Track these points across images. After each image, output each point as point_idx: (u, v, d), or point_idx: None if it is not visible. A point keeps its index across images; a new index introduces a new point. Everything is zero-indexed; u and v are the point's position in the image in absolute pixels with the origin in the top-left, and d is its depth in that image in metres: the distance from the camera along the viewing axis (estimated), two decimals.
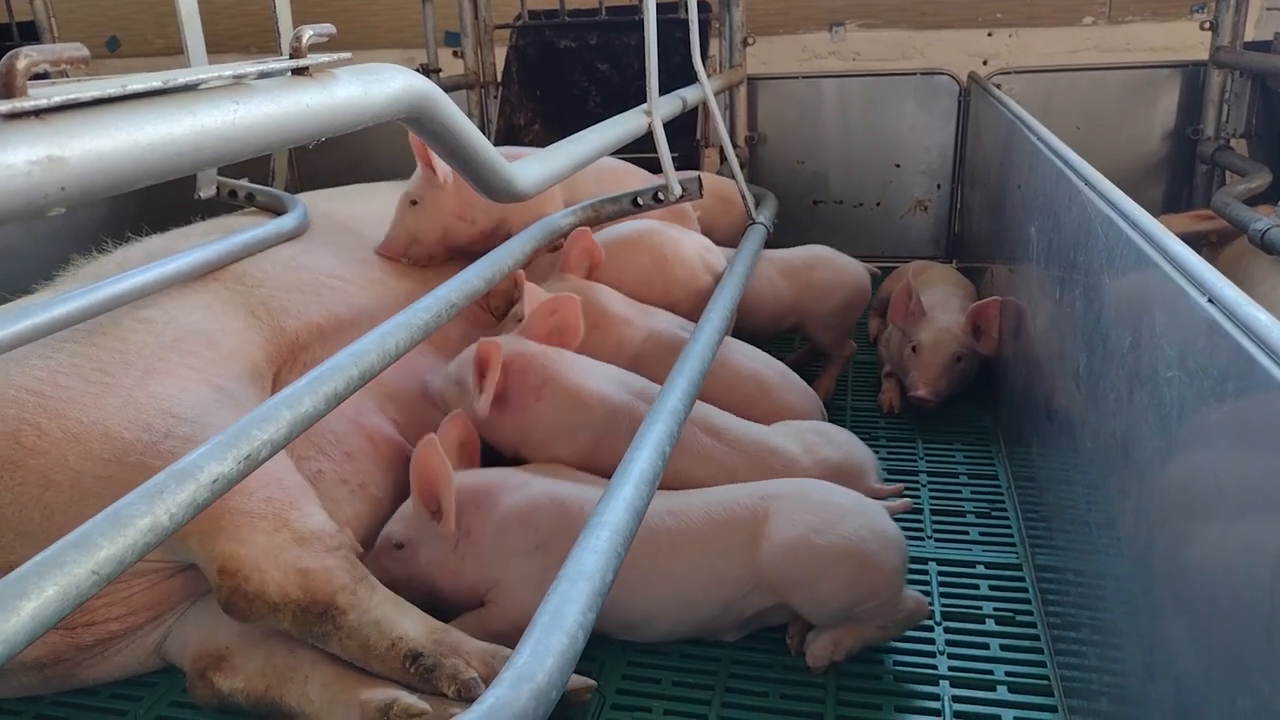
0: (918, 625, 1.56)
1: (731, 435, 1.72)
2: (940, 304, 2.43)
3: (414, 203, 2.13)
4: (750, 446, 1.71)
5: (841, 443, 1.77)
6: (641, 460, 1.18)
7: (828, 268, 2.45)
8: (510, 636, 1.45)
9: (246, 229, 1.92)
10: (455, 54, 3.76)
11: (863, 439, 2.21)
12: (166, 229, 2.01)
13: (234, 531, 1.36)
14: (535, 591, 1.47)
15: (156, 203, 2.15)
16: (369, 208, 2.34)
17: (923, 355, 2.31)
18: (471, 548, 1.53)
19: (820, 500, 1.50)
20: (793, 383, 2.01)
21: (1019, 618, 1.59)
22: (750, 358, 2.00)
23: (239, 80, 0.84)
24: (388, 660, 1.34)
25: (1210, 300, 0.87)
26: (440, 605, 1.51)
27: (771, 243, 2.57)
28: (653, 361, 1.87)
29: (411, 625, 1.37)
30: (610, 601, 1.00)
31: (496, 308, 2.25)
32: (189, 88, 0.77)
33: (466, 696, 1.29)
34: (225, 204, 2.23)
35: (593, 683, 1.40)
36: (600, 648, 1.54)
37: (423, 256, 2.15)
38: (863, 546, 1.43)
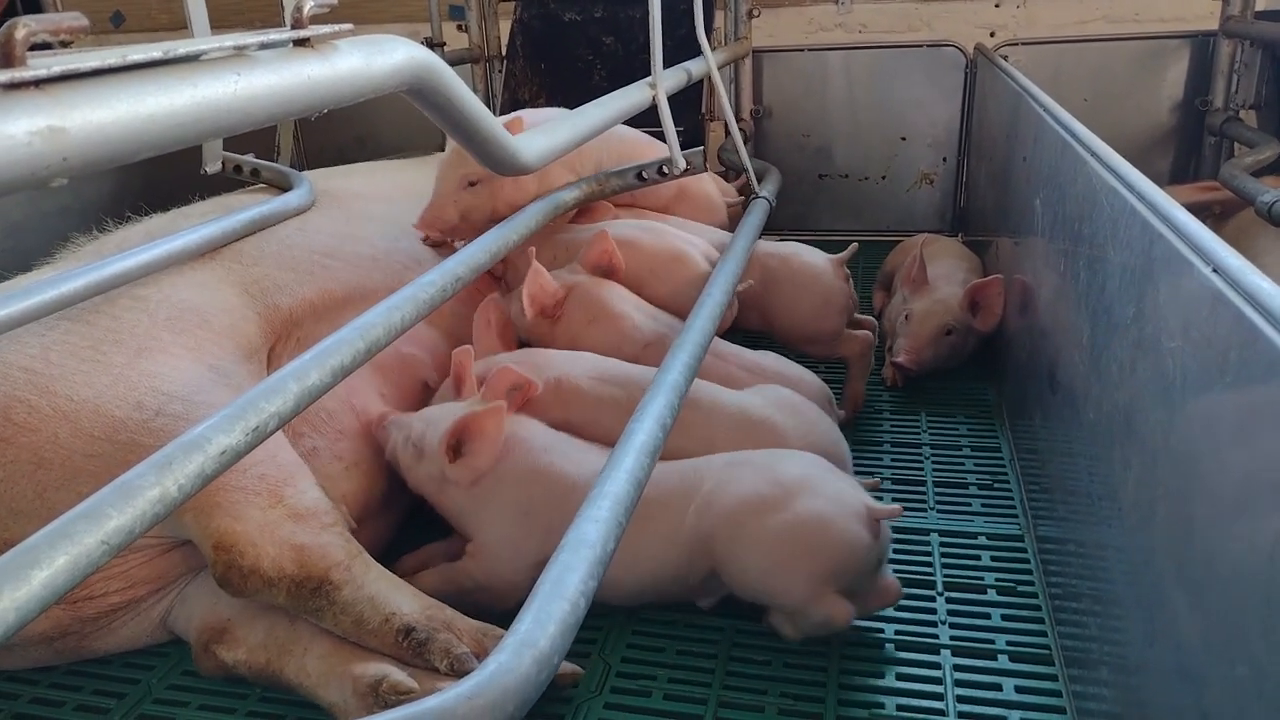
0: (919, 596, 1.57)
1: (708, 405, 1.67)
2: (944, 276, 2.42)
3: (473, 184, 2.06)
4: (728, 416, 1.66)
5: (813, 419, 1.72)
6: (642, 432, 1.18)
7: (791, 265, 2.16)
8: (474, 595, 1.47)
9: (250, 207, 1.91)
10: (460, 28, 3.73)
11: (867, 412, 2.23)
12: (172, 205, 2.01)
13: (229, 507, 1.36)
14: (510, 556, 1.49)
15: (162, 179, 2.15)
16: (370, 186, 2.33)
17: (912, 323, 2.32)
18: (465, 491, 1.53)
19: (772, 476, 1.42)
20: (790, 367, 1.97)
21: (1020, 588, 1.60)
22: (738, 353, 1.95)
23: (240, 51, 0.83)
24: (381, 635, 1.35)
25: (1214, 270, 0.86)
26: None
27: (776, 217, 2.56)
28: (656, 363, 1.84)
29: (405, 601, 1.38)
30: None
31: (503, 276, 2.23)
32: (190, 58, 0.77)
33: (459, 670, 1.30)
34: (231, 180, 2.23)
35: (580, 670, 1.41)
36: (605, 618, 1.55)
37: (467, 236, 2.10)
38: (792, 534, 1.36)
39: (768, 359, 1.93)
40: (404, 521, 1.78)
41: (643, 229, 2.13)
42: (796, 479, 1.43)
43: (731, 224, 2.47)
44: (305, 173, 2.31)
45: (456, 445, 1.56)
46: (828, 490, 1.42)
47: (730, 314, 2.06)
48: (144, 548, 1.48)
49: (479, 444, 1.54)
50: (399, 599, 1.38)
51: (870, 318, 2.34)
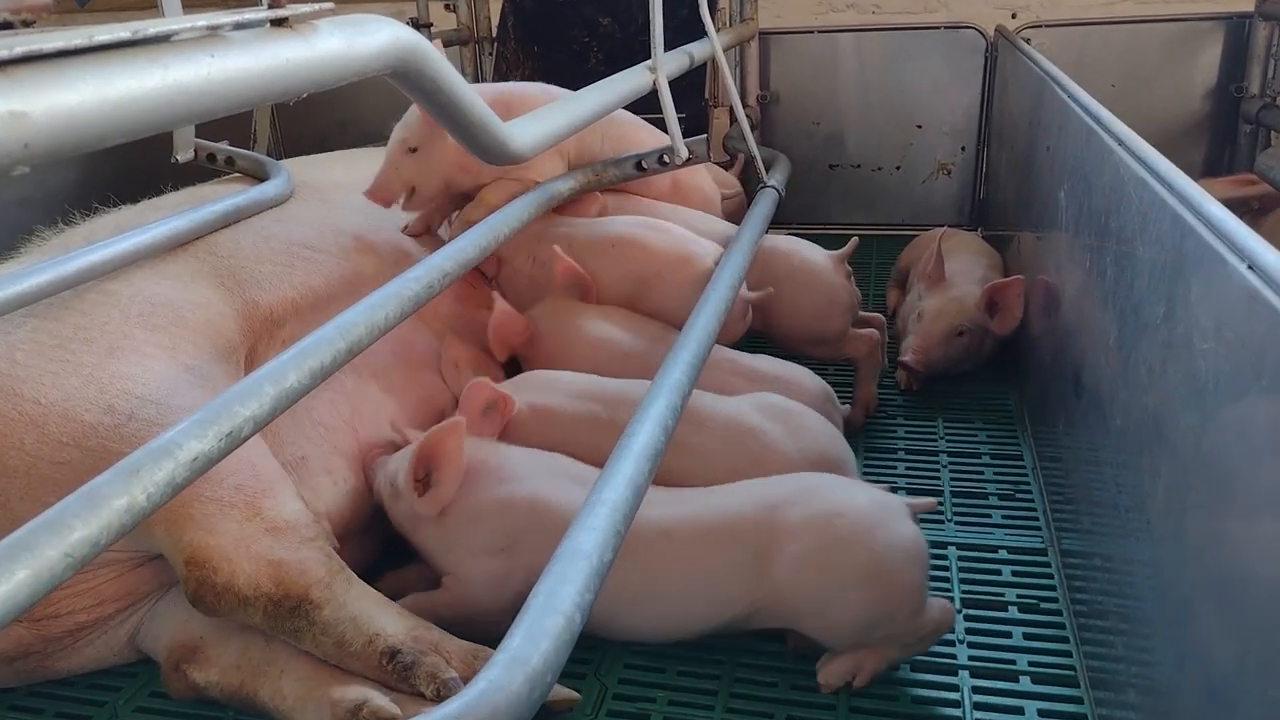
0: None
1: (701, 415, 1.66)
2: (963, 273, 2.42)
3: (412, 150, 2.04)
4: (724, 427, 1.66)
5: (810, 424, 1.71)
6: (642, 434, 1.18)
7: (791, 263, 2.13)
8: (455, 628, 1.44)
9: (224, 198, 1.91)
10: (448, 8, 3.72)
11: (881, 418, 2.24)
12: (142, 196, 2.01)
13: (203, 520, 1.35)
14: (490, 592, 1.48)
15: (131, 167, 2.15)
16: (350, 174, 2.33)
17: (924, 322, 2.32)
18: (438, 525, 1.53)
19: (833, 509, 1.41)
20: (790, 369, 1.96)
21: (1043, 605, 1.60)
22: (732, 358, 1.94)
23: (213, 31, 0.83)
24: (364, 658, 1.34)
25: (1250, 267, 0.86)
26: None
27: (784, 209, 2.56)
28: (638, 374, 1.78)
29: (389, 621, 1.37)
30: (593, 617, 0.99)
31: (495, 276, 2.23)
32: (160, 39, 0.77)
33: (445, 697, 1.30)
34: (204, 170, 2.23)
35: (576, 696, 1.40)
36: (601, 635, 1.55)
37: (422, 207, 2.11)
38: (883, 565, 1.36)
39: (763, 362, 1.93)
40: (390, 540, 1.78)
41: (649, 227, 2.10)
42: (853, 500, 1.43)
43: (730, 218, 2.46)
44: (283, 161, 2.31)
45: (425, 477, 1.53)
46: (866, 503, 1.43)
47: (744, 324, 2.03)
48: (113, 562, 1.48)
49: (442, 469, 1.51)
50: (383, 619, 1.37)
51: (878, 315, 2.36)
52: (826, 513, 1.41)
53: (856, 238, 2.23)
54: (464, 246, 1.57)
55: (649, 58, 2.04)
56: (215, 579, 1.34)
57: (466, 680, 1.30)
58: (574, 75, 2.76)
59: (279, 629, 1.37)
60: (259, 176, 2.18)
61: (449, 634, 1.39)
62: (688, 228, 2.15)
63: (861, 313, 2.26)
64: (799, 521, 1.40)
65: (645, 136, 2.35)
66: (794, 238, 2.26)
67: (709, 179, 2.61)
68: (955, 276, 2.40)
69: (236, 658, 1.42)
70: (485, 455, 1.57)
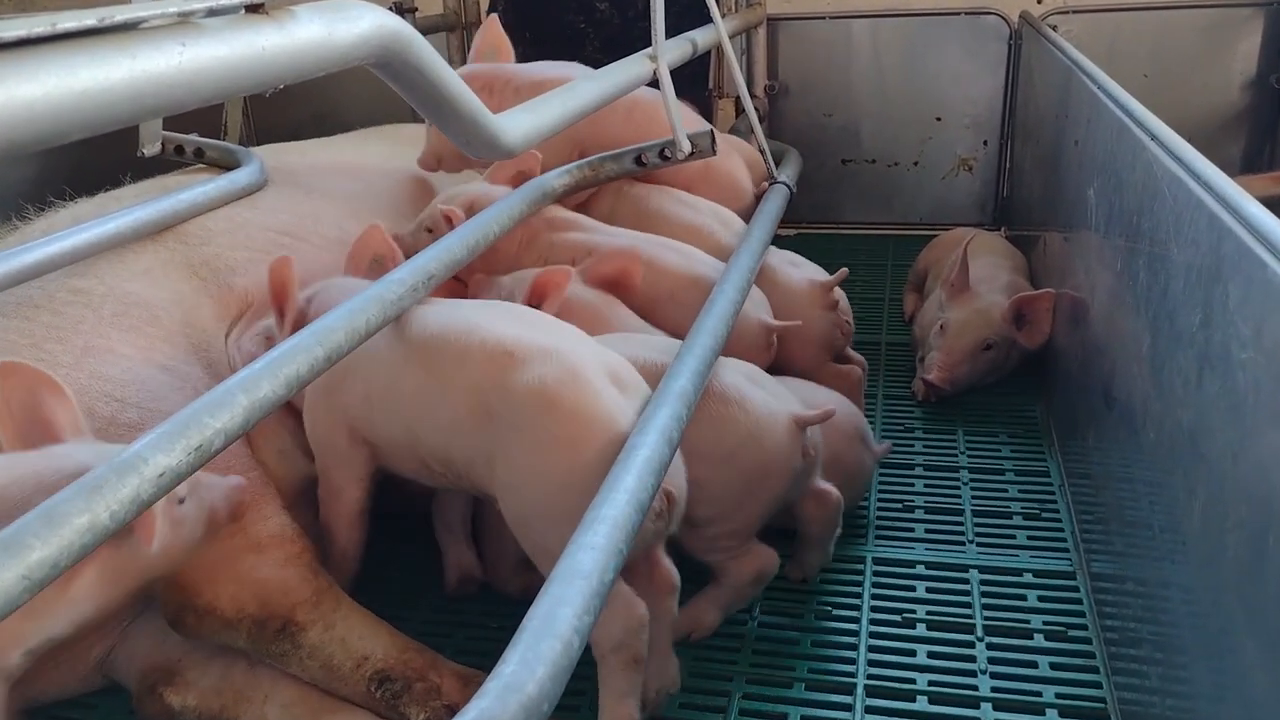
0: (957, 641, 1.57)
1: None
2: (985, 280, 2.42)
3: None
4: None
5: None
6: (646, 447, 1.18)
7: (764, 279, 2.03)
8: None
9: (193, 185, 1.92)
10: None
11: (897, 430, 2.24)
12: (105, 190, 2.01)
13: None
14: None
15: (93, 162, 2.14)
16: (326, 158, 2.34)
17: (948, 336, 2.32)
18: None
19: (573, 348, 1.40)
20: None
21: (1071, 633, 1.60)
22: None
23: (185, 18, 0.83)
24: (352, 682, 1.35)
25: None
26: None
27: (794, 207, 2.56)
28: None
29: (379, 643, 1.38)
30: None
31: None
32: (128, 26, 0.77)
33: None
34: (171, 163, 2.23)
35: None
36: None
37: (455, 170, 2.32)
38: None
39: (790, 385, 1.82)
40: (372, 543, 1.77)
41: (670, 248, 2.03)
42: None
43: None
44: (256, 149, 2.32)
45: None
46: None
47: (769, 354, 1.95)
48: None
49: None
50: (373, 640, 1.38)
51: (861, 358, 2.22)
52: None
53: (845, 269, 2.10)
54: (451, 245, 1.57)
55: (649, 44, 2.04)
56: (197, 601, 1.34)
57: (463, 705, 1.30)
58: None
59: (264, 652, 1.37)
60: (229, 167, 2.18)
61: (443, 657, 1.40)
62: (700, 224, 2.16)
63: (849, 349, 2.14)
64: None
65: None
66: (783, 252, 2.17)
67: (742, 166, 2.56)
68: (979, 284, 2.39)
69: (217, 681, 1.42)
70: None
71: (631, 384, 1.40)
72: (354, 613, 1.41)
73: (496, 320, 1.46)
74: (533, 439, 1.32)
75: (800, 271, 2.13)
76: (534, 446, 1.32)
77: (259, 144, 2.70)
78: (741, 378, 1.60)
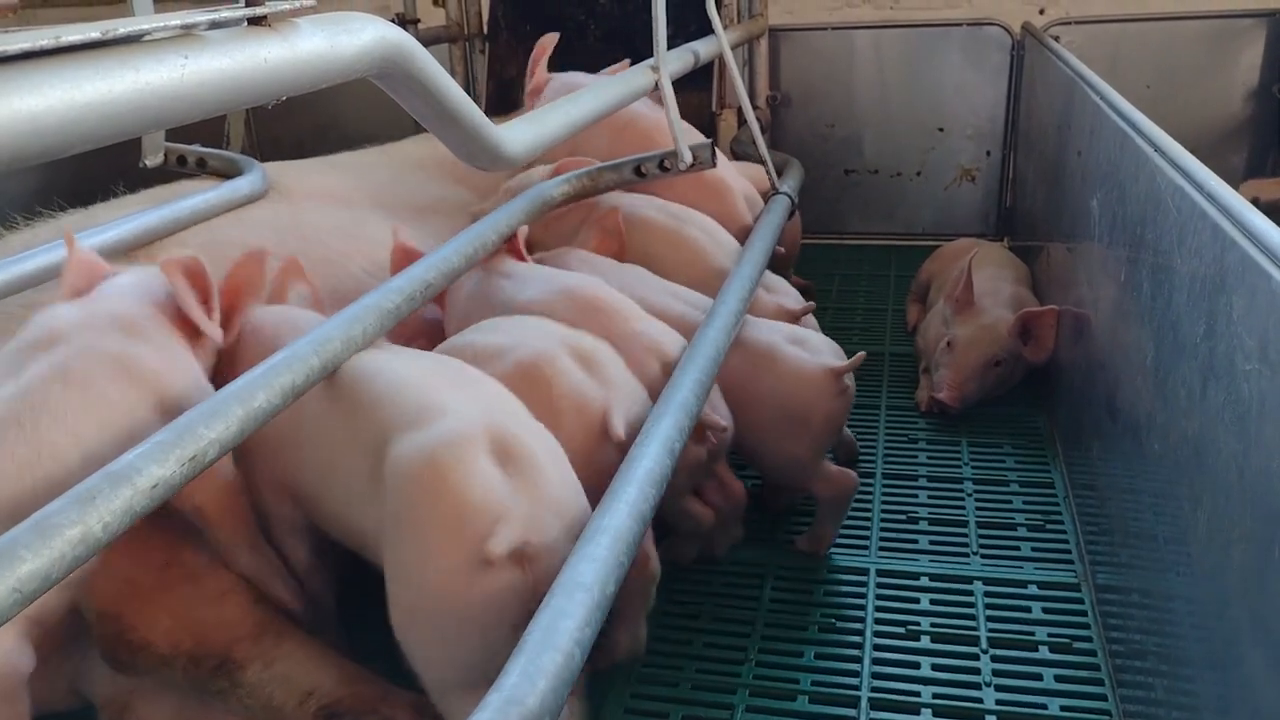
0: (961, 654, 1.57)
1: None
2: (990, 294, 2.41)
3: None
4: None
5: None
6: (648, 459, 1.18)
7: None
8: None
9: (195, 193, 1.92)
10: (435, 3, 3.75)
11: (900, 441, 2.24)
12: (100, 202, 2.02)
13: (118, 566, 1.32)
14: None
15: (95, 172, 2.15)
16: (327, 181, 2.33)
17: (955, 353, 2.31)
18: None
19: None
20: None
21: (1077, 645, 1.59)
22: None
23: (188, 31, 0.84)
24: (299, 719, 1.32)
25: None
26: None
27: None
28: None
29: (327, 676, 1.34)
30: None
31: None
32: (131, 39, 0.78)
33: None
34: (173, 173, 2.24)
35: None
36: (601, 673, 1.54)
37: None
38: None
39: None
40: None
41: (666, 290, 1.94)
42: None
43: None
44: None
45: None
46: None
47: (846, 400, 1.87)
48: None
49: None
50: (321, 674, 1.34)
51: (852, 439, 2.14)
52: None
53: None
54: (448, 255, 1.57)
55: (649, 35, 2.04)
56: (131, 635, 1.31)
57: None
58: (572, 54, 2.74)
59: (202, 689, 1.33)
60: (231, 176, 2.19)
61: (395, 687, 1.35)
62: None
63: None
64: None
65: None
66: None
67: (743, 185, 2.51)
68: (983, 298, 2.39)
69: (171, 715, 1.39)
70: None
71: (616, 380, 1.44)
72: (299, 647, 1.37)
73: (414, 373, 1.28)
74: (405, 522, 1.15)
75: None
76: (404, 532, 1.15)
77: (261, 154, 2.71)
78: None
